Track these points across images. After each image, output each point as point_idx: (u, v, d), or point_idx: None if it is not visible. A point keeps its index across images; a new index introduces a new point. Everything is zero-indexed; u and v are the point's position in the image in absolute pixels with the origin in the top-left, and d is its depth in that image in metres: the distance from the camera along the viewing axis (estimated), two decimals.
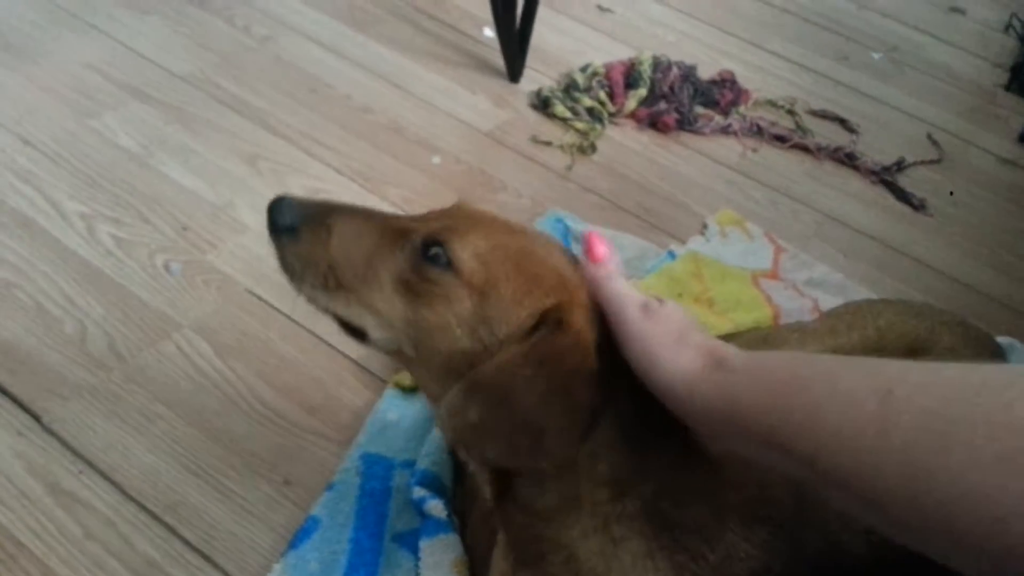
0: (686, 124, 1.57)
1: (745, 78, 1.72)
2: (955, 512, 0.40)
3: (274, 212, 0.66)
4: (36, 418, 0.89)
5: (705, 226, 1.34)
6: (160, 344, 0.99)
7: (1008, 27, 2.28)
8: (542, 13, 1.59)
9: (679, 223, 1.35)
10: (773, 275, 1.26)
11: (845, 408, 0.46)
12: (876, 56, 2.00)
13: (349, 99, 1.45)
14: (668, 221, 1.35)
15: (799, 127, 1.65)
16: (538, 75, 1.62)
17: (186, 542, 0.82)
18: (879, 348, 0.91)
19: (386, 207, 1.24)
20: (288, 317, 1.05)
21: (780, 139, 1.60)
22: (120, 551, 0.81)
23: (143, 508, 0.84)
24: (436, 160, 1.36)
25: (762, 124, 1.61)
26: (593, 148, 1.47)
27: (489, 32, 1.68)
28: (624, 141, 1.51)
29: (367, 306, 0.66)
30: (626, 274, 0.64)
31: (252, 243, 1.13)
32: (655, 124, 1.55)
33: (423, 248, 0.63)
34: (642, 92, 1.57)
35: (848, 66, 1.92)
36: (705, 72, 1.69)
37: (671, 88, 1.60)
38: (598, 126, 1.51)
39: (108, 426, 0.90)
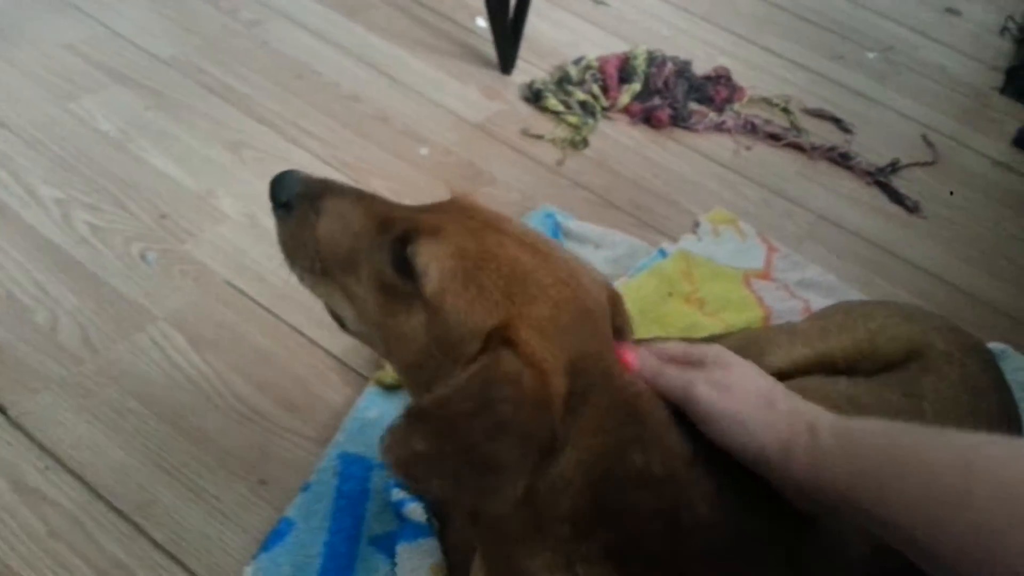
0: (680, 120, 1.54)
1: (740, 75, 1.70)
2: None
3: (275, 186, 0.64)
4: (3, 410, 0.86)
5: (697, 224, 1.32)
6: (134, 336, 0.96)
7: (1003, 29, 2.27)
8: (536, 4, 1.56)
9: (671, 221, 1.33)
10: (765, 275, 1.24)
11: (928, 480, 0.49)
12: (871, 56, 1.98)
13: (337, 87, 1.42)
14: (660, 218, 1.33)
15: (793, 126, 1.62)
16: (531, 67, 1.59)
17: (155, 543, 0.80)
18: (872, 351, 0.89)
19: None
20: (268, 310, 1.02)
21: (774, 137, 1.58)
22: (86, 551, 0.78)
23: (111, 507, 0.81)
24: (424, 151, 1.33)
25: (756, 122, 1.59)
26: (585, 143, 1.44)
27: (482, 22, 1.65)
28: (617, 136, 1.49)
29: (347, 296, 0.63)
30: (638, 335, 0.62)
31: (232, 233, 1.10)
32: (648, 119, 1.53)
33: (398, 245, 0.58)
34: (636, 87, 1.55)
35: (843, 65, 1.90)
36: (700, 68, 1.67)
37: (665, 83, 1.57)
38: (590, 120, 1.48)
39: (78, 421, 0.87)
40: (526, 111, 1.49)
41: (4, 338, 0.92)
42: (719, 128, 1.56)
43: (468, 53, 1.59)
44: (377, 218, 0.61)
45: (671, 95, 1.57)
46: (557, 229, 1.22)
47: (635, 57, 1.58)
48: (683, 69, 1.62)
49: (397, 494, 0.81)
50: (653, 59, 1.60)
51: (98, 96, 1.27)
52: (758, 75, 1.76)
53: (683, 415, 0.60)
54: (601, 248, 1.21)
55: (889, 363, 0.87)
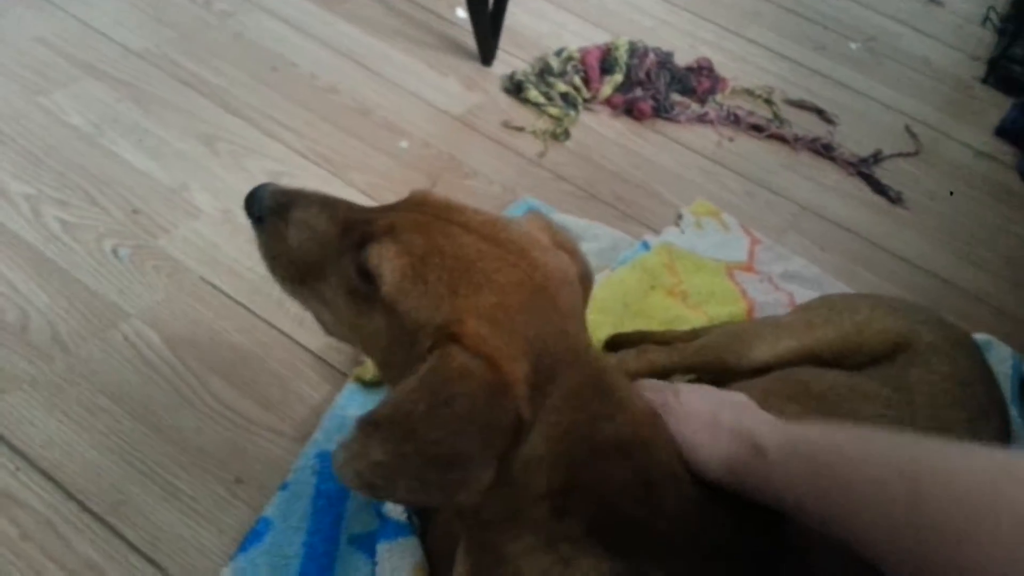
0: (662, 111, 1.53)
1: (722, 65, 1.69)
2: None
3: (249, 201, 0.66)
4: None
5: (680, 216, 1.31)
6: (106, 334, 0.94)
7: (985, 20, 2.27)
8: None
9: (653, 213, 1.32)
10: (748, 267, 1.23)
11: (876, 490, 0.49)
12: (854, 46, 1.98)
13: (314, 79, 1.39)
14: (642, 211, 1.32)
15: (776, 117, 1.62)
16: (511, 58, 1.57)
17: (129, 544, 0.78)
18: (859, 344, 0.88)
19: (351, 192, 1.19)
20: (243, 306, 1.00)
21: (757, 128, 1.57)
22: (58, 553, 0.76)
23: (84, 508, 0.79)
24: (404, 144, 1.32)
25: (739, 113, 1.58)
26: (567, 135, 1.43)
27: (461, 12, 1.63)
28: (598, 128, 1.47)
29: (323, 302, 0.64)
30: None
31: (206, 228, 1.08)
32: (630, 111, 1.51)
33: (356, 249, 0.59)
34: (618, 78, 1.53)
35: (826, 55, 1.90)
36: (682, 59, 1.65)
37: (647, 75, 1.56)
38: (572, 112, 1.47)
39: (49, 420, 0.85)
40: (507, 103, 1.47)
41: None
42: (701, 119, 1.55)
43: (448, 44, 1.57)
44: (340, 224, 0.62)
45: (653, 86, 1.55)
46: None
47: (617, 48, 1.57)
48: (665, 60, 1.61)
49: None
50: (635, 50, 1.58)
51: (69, 89, 1.24)
52: (740, 66, 1.75)
53: None
54: (584, 241, 1.20)
55: (876, 356, 0.87)
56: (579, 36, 1.68)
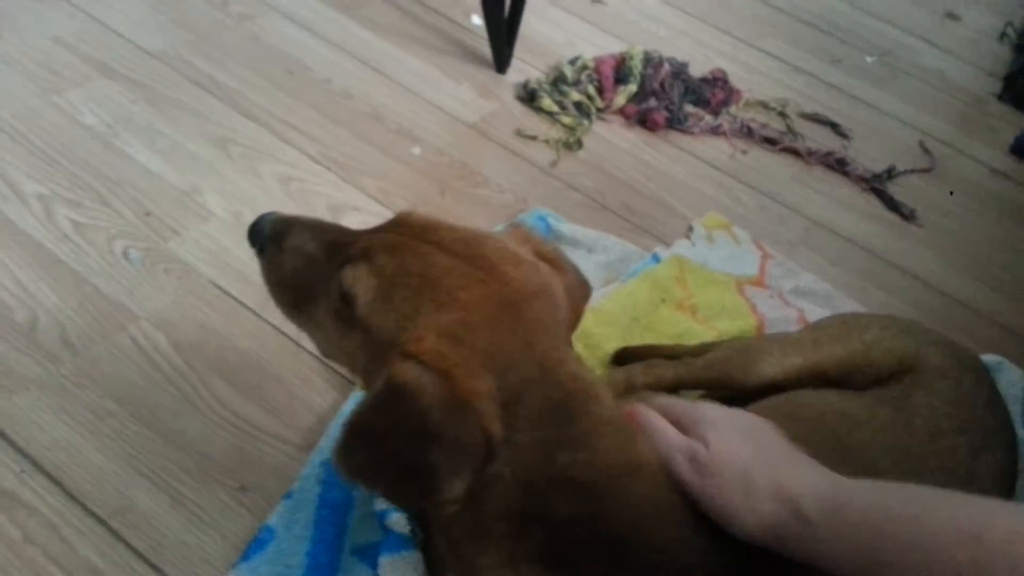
0: (675, 123, 1.52)
1: (737, 77, 1.68)
2: None
3: (250, 233, 0.69)
4: None
5: (691, 229, 1.31)
6: (115, 336, 0.94)
7: (1002, 35, 2.26)
8: (532, 2, 1.54)
9: (665, 225, 1.31)
10: (759, 282, 1.22)
11: (935, 554, 0.47)
12: (869, 60, 1.97)
13: (328, 83, 1.40)
14: (653, 222, 1.31)
15: (790, 130, 1.61)
16: (526, 66, 1.57)
17: (133, 549, 0.78)
18: (866, 363, 0.88)
19: (362, 198, 1.19)
20: (252, 311, 1.00)
21: (770, 141, 1.56)
22: (61, 557, 0.76)
23: (88, 512, 0.79)
24: (416, 151, 1.31)
25: (752, 126, 1.57)
26: (579, 144, 1.42)
27: (477, 20, 1.63)
28: (611, 138, 1.47)
29: (316, 326, 0.67)
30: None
31: (217, 232, 1.08)
32: (644, 121, 1.51)
33: (337, 273, 0.61)
34: (632, 88, 1.53)
35: (841, 69, 1.89)
36: (697, 70, 1.65)
37: (661, 85, 1.56)
38: (585, 121, 1.47)
39: (55, 423, 0.85)
40: (520, 111, 1.47)
41: None
42: (715, 131, 1.55)
43: (463, 51, 1.57)
44: (327, 249, 0.64)
45: (667, 97, 1.55)
46: (549, 232, 1.20)
47: (631, 58, 1.56)
48: (680, 71, 1.60)
49: (381, 504, 0.79)
50: (649, 60, 1.58)
51: (83, 89, 1.24)
52: (755, 78, 1.74)
53: None
54: (594, 252, 1.20)
55: (882, 376, 0.86)
56: (594, 45, 1.67)
